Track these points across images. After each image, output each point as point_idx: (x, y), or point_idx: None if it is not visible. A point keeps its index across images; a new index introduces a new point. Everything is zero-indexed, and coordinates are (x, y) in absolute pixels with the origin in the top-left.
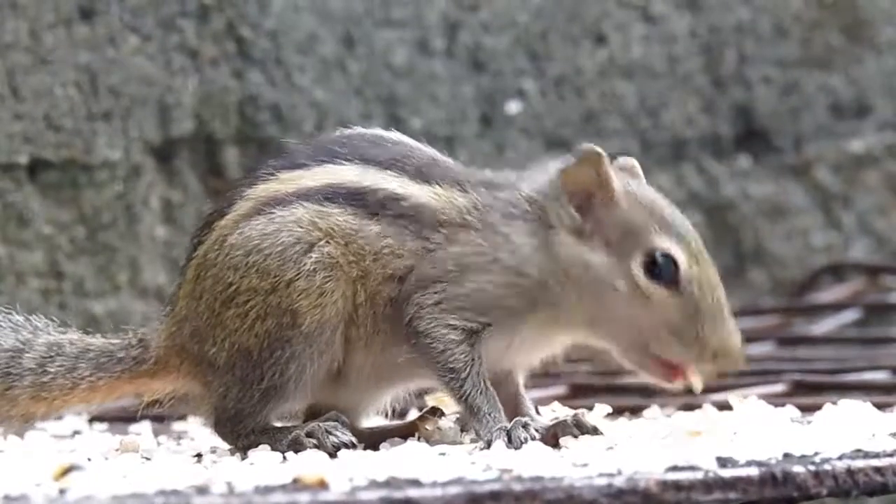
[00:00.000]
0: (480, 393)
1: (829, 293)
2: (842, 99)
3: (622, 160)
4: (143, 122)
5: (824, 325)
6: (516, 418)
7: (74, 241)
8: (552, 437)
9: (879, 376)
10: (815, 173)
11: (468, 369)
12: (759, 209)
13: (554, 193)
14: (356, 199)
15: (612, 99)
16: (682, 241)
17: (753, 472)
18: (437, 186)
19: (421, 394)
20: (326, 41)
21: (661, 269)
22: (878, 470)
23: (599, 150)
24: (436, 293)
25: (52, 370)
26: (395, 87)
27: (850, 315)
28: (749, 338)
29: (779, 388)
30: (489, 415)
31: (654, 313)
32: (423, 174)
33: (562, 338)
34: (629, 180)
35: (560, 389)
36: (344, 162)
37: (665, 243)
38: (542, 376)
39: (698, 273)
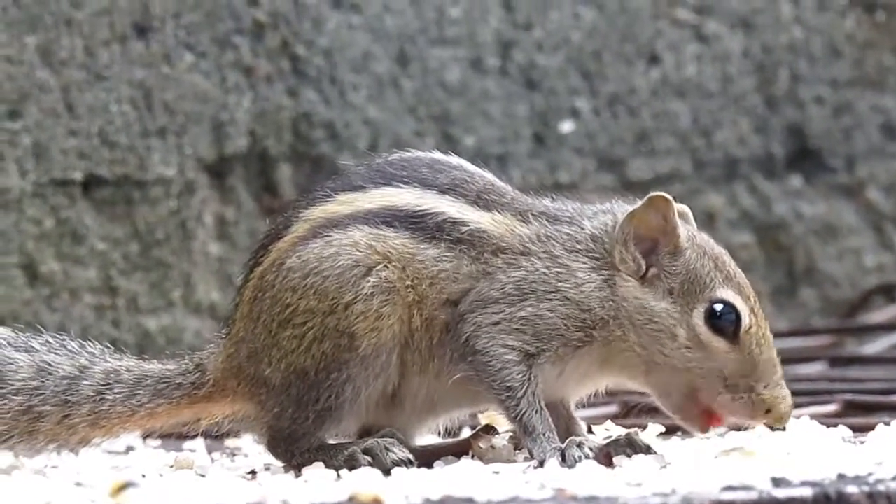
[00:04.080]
0: (536, 412)
1: (881, 313)
2: (894, 119)
3: (675, 206)
4: (198, 139)
5: (876, 346)
6: (570, 438)
7: (128, 258)
8: (606, 456)
9: None
10: (867, 193)
11: (524, 388)
12: (810, 229)
13: (620, 236)
14: (414, 222)
15: (665, 118)
16: (743, 295)
17: (807, 492)
18: (496, 214)
19: (473, 412)
20: (381, 59)
21: (723, 322)
22: None
23: (668, 196)
24: (495, 314)
25: (110, 398)
26: (448, 106)
27: None
28: (800, 358)
29: (831, 408)
30: (543, 434)
31: (712, 365)
32: (482, 200)
33: (609, 377)
34: (692, 229)
35: (613, 408)
36: (402, 185)
37: (729, 296)
38: (595, 395)
39: (757, 329)
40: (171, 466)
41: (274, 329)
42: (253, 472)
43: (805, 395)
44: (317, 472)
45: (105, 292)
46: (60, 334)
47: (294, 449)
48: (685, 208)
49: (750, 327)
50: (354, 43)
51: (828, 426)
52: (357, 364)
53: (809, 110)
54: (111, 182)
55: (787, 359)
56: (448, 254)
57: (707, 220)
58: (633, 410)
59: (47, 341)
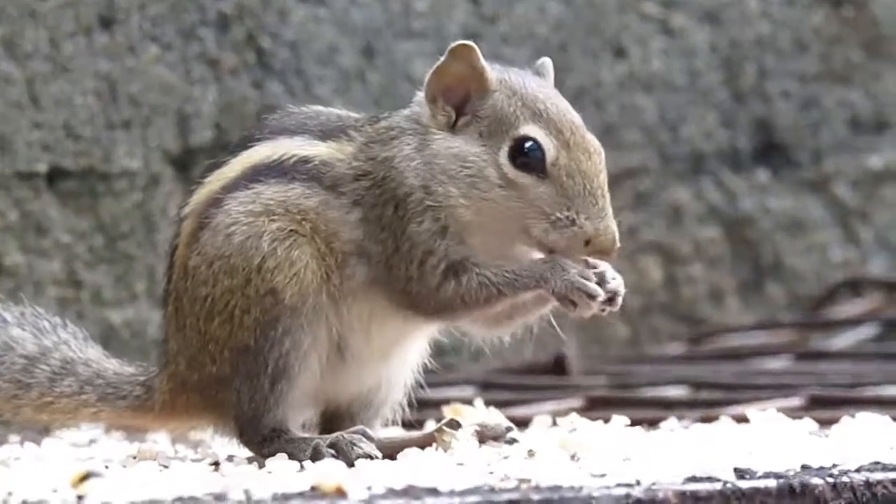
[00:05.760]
0: None
1: (847, 308)
2: (861, 114)
3: (539, 61)
4: (163, 132)
5: (842, 340)
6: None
7: (92, 250)
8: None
9: None
10: (833, 188)
11: None
12: (777, 223)
13: (430, 94)
14: (275, 170)
15: (631, 112)
16: (553, 129)
17: (771, 483)
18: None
19: (438, 405)
20: (346, 52)
21: (527, 157)
22: None
23: (471, 43)
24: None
25: (58, 389)
26: None
27: (867, 330)
28: (766, 352)
29: (796, 402)
30: None
31: (525, 200)
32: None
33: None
34: (511, 72)
35: (577, 402)
36: (255, 144)
37: (532, 131)
38: (559, 388)
39: (567, 160)
40: (134, 457)
41: (202, 326)
42: (216, 464)
43: (771, 388)
44: (280, 462)
45: (69, 285)
46: (38, 310)
47: (262, 429)
48: (546, 60)
49: (557, 159)
50: (320, 35)
51: (793, 419)
52: (288, 315)
53: (776, 105)
54: (76, 174)
55: (754, 353)
56: (309, 191)
57: (673, 215)
58: (597, 404)
59: (22, 313)
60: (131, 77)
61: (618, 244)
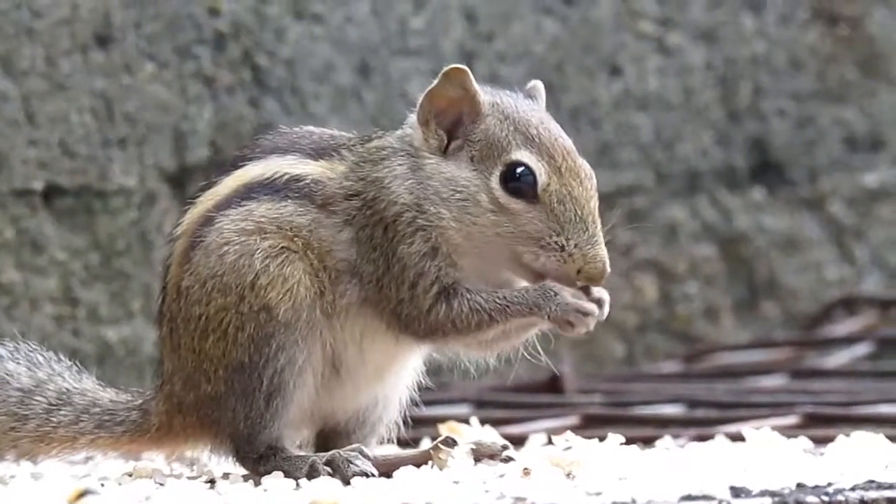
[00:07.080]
0: None
1: (842, 326)
2: (856, 132)
3: (530, 84)
4: (159, 149)
5: (837, 358)
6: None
7: (89, 268)
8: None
9: (892, 409)
10: (828, 206)
11: None
12: (772, 242)
13: (421, 117)
14: (267, 188)
15: (627, 130)
16: (545, 154)
17: (767, 501)
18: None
19: (434, 423)
20: (342, 70)
21: (519, 183)
22: (891, 501)
23: (464, 67)
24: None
25: (55, 420)
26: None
27: (862, 348)
28: (762, 370)
29: (792, 420)
30: None
31: (517, 226)
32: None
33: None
34: (503, 96)
35: (573, 420)
36: (247, 163)
37: (523, 156)
38: (554, 406)
39: (558, 186)
40: (130, 475)
41: (197, 346)
42: (212, 481)
43: (766, 406)
44: (276, 480)
45: (65, 302)
46: (32, 344)
47: (258, 446)
48: (537, 82)
49: (548, 185)
50: (316, 53)
51: (788, 437)
52: (282, 332)
53: (772, 123)
54: (72, 192)
55: (749, 371)
56: (301, 209)
57: (669, 233)
58: (593, 422)
59: (15, 348)
60: (127, 95)
61: (608, 271)
